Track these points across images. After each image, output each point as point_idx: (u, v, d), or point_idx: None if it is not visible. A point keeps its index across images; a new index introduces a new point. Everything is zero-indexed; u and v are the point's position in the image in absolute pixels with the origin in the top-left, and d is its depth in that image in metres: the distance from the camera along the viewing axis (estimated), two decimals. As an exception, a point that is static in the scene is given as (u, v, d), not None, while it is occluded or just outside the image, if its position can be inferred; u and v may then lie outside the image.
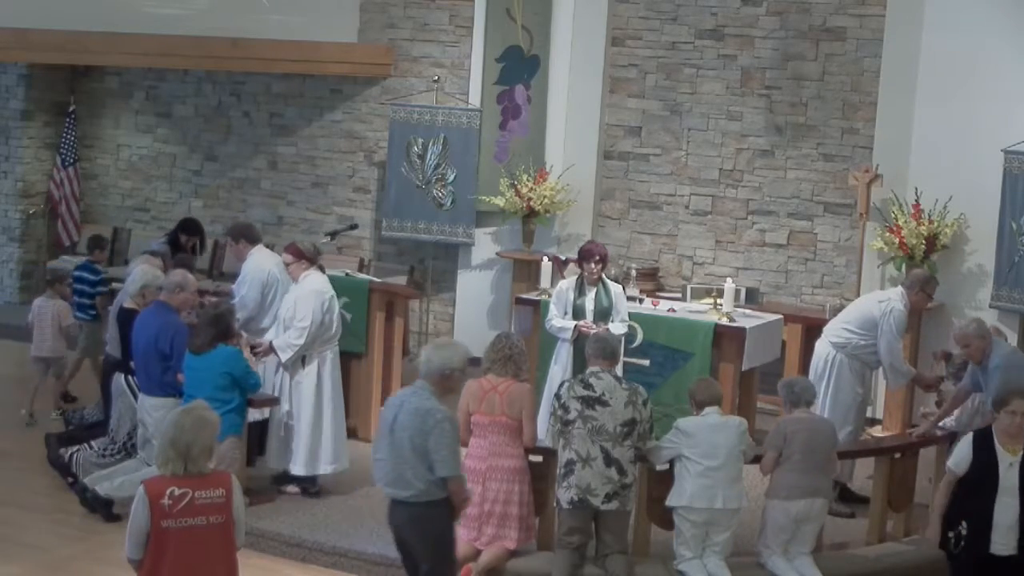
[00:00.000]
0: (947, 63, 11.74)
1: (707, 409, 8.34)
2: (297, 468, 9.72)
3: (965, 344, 8.94)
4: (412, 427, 7.01)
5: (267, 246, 11.17)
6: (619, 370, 8.89)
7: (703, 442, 8.18)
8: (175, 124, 15.39)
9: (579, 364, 9.82)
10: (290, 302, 9.77)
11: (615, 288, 10.38)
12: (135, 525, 6.01)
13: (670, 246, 13.17)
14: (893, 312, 9.85)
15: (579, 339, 9.98)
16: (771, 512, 8.37)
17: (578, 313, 10.19)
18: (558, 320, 10.23)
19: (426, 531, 7.15)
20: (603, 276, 10.32)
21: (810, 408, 8.63)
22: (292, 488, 9.77)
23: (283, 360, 9.62)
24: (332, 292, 9.84)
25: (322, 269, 9.95)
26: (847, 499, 9.86)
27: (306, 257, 9.80)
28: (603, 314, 10.15)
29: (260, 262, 10.46)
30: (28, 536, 8.97)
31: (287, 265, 9.88)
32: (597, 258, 10.22)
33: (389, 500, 7.26)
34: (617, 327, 10.03)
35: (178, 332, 9.38)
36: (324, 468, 9.79)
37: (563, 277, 11.33)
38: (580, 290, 10.25)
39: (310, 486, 9.79)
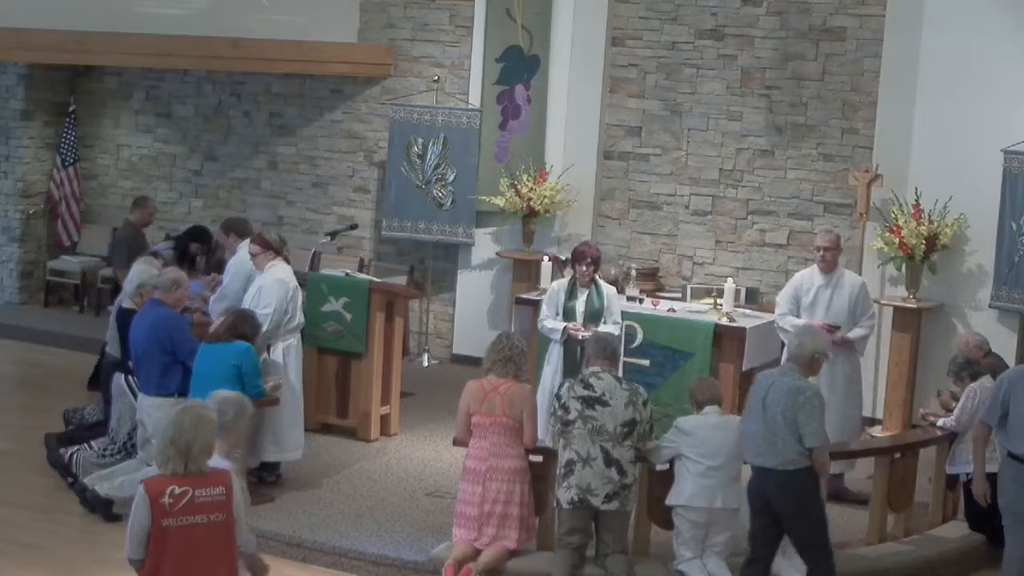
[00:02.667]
0: (947, 63, 11.74)
1: (707, 408, 8.38)
2: (264, 455, 9.84)
3: None
4: (784, 403, 7.80)
5: None
6: (619, 370, 8.89)
7: (703, 441, 8.20)
8: (175, 124, 15.39)
9: (569, 366, 9.85)
10: (254, 290, 10.01)
11: (608, 290, 10.32)
12: (136, 525, 6.01)
13: (670, 246, 13.17)
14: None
15: (568, 341, 10.00)
16: None
17: (568, 315, 10.15)
18: (549, 321, 10.22)
19: (795, 495, 7.89)
20: (596, 278, 10.28)
21: None
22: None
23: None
24: (296, 283, 10.09)
25: (287, 260, 10.19)
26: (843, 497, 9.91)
27: (272, 247, 10.08)
28: (595, 316, 10.12)
29: (245, 255, 10.54)
30: (28, 536, 8.96)
31: (254, 256, 10.12)
32: (588, 260, 10.19)
33: (755, 470, 8.00)
34: (608, 328, 9.97)
35: (175, 324, 9.43)
36: (291, 455, 9.99)
37: (563, 277, 11.27)
38: (572, 291, 10.22)
39: (268, 475, 9.92)
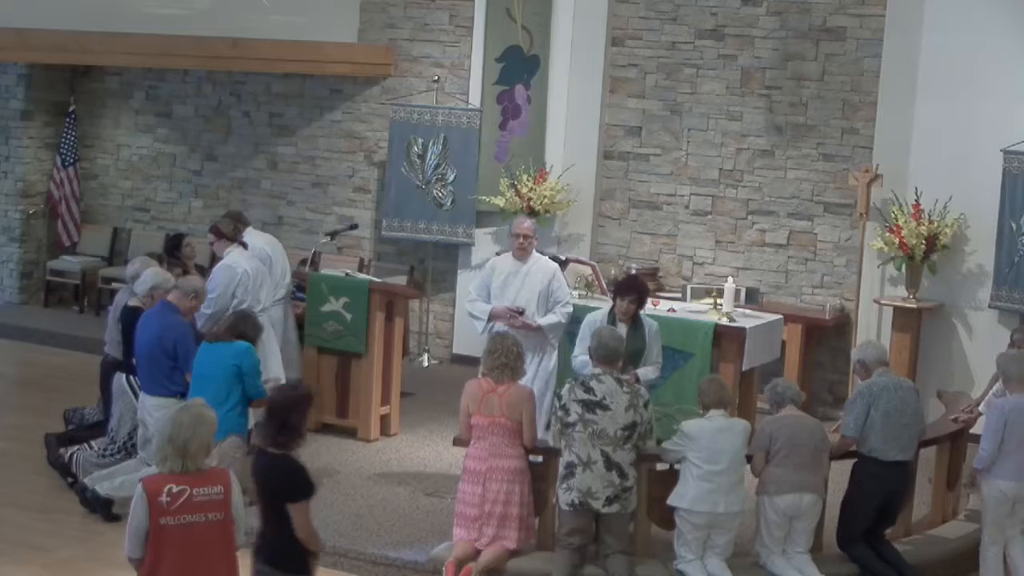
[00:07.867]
0: (947, 63, 11.74)
1: (712, 412, 8.30)
2: None
3: None
4: None
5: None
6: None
7: (706, 446, 8.16)
8: (175, 124, 15.39)
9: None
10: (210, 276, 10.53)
11: (651, 325, 9.29)
12: (134, 523, 6.02)
13: (670, 246, 13.17)
14: None
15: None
16: (761, 509, 8.38)
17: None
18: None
19: None
20: (640, 314, 9.25)
21: (796, 406, 8.65)
22: None
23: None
24: (246, 268, 10.38)
25: (244, 246, 10.56)
26: None
27: (224, 235, 10.56)
28: (633, 357, 9.00)
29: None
30: (28, 536, 8.96)
31: (211, 244, 10.71)
32: (634, 296, 9.15)
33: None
34: (647, 372, 9.23)
35: (183, 333, 9.43)
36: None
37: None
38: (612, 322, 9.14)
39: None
